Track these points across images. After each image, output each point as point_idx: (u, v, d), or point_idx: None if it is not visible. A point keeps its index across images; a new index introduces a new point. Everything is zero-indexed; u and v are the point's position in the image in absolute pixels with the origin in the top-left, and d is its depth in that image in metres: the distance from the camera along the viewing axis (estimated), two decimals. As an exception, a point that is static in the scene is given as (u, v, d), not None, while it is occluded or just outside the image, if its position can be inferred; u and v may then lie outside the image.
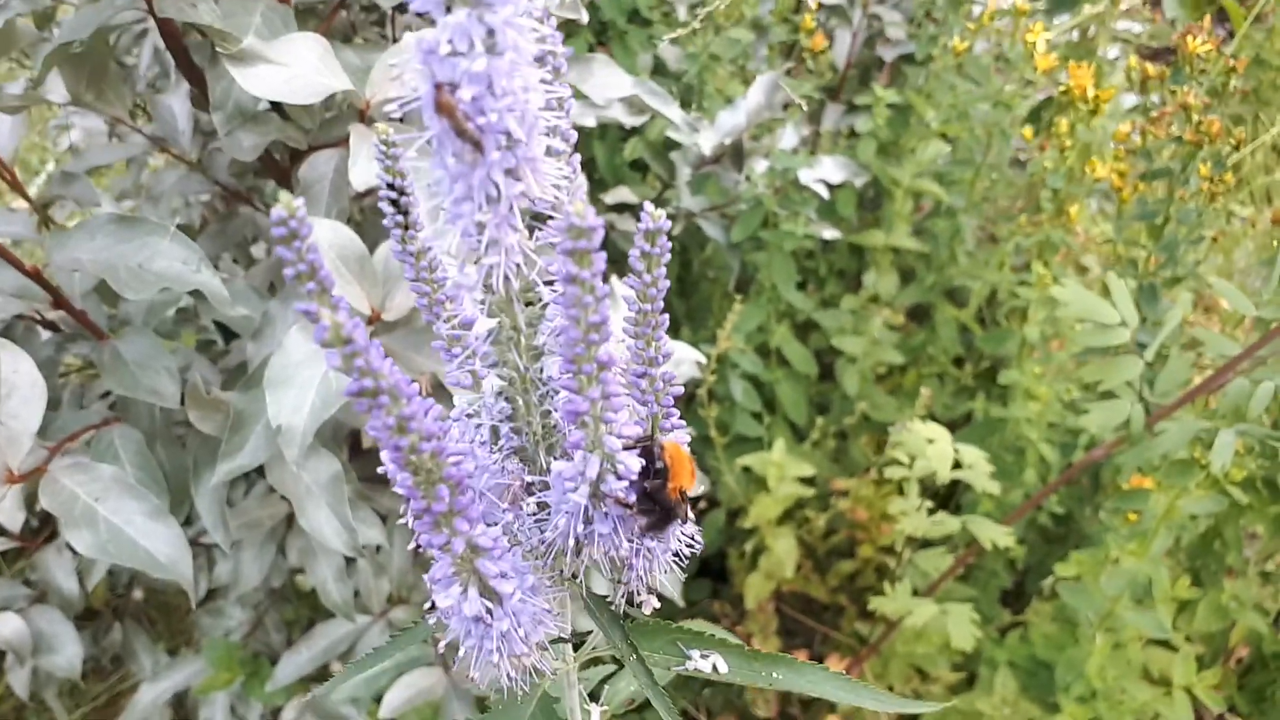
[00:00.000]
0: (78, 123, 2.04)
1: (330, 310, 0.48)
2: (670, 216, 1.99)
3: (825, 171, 1.97)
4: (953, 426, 2.04)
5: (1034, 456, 1.80)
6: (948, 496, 2.07)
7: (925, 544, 1.86)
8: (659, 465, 0.59)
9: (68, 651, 1.59)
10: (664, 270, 0.57)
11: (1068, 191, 1.81)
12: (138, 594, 2.06)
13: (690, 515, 0.65)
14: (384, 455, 0.60)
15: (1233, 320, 1.91)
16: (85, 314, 1.36)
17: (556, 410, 0.64)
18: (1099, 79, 1.76)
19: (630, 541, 0.63)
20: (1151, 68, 1.72)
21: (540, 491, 0.65)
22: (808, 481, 2.03)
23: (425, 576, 0.61)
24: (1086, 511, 1.97)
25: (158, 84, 1.80)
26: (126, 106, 1.49)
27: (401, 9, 1.61)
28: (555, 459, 0.65)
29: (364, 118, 1.26)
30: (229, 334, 1.78)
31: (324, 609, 1.96)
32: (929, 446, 1.55)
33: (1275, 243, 1.49)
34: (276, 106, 1.39)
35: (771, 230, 2.00)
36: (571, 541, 0.62)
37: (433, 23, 0.48)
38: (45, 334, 1.49)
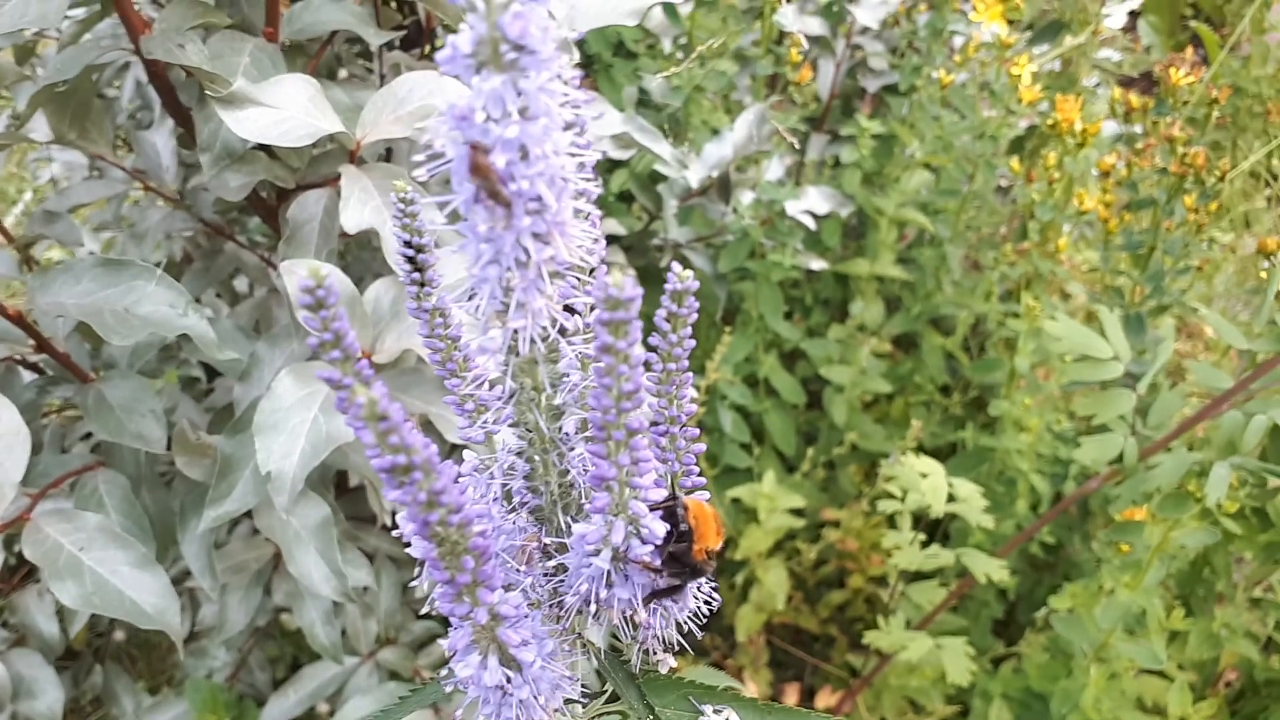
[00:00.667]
0: (58, 156, 2.01)
1: (358, 380, 0.47)
2: (657, 248, 1.99)
3: (811, 202, 1.97)
4: (939, 455, 2.04)
5: (1024, 487, 1.80)
6: (935, 524, 2.07)
7: (917, 576, 1.85)
8: (684, 527, 0.58)
9: (49, 697, 1.55)
10: (689, 330, 0.56)
11: (1055, 222, 1.82)
12: (119, 635, 2.02)
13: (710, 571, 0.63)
14: (406, 525, 0.59)
15: (1218, 348, 1.92)
16: (69, 357, 1.33)
17: (574, 469, 0.63)
18: (1084, 111, 1.77)
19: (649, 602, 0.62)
20: (1135, 99, 1.74)
21: (558, 552, 0.64)
22: (798, 513, 2.02)
23: (444, 644, 0.59)
24: (1075, 540, 1.97)
25: (139, 116, 1.78)
26: (109, 143, 1.47)
27: (389, 46, 1.61)
28: (573, 519, 0.64)
29: (354, 158, 1.25)
30: (212, 370, 1.75)
31: (310, 648, 1.93)
32: (923, 481, 1.55)
33: (1262, 273, 1.49)
34: (264, 145, 1.37)
35: (759, 261, 1.99)
36: (592, 606, 0.60)
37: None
38: (26, 375, 1.46)
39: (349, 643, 1.68)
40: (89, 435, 1.59)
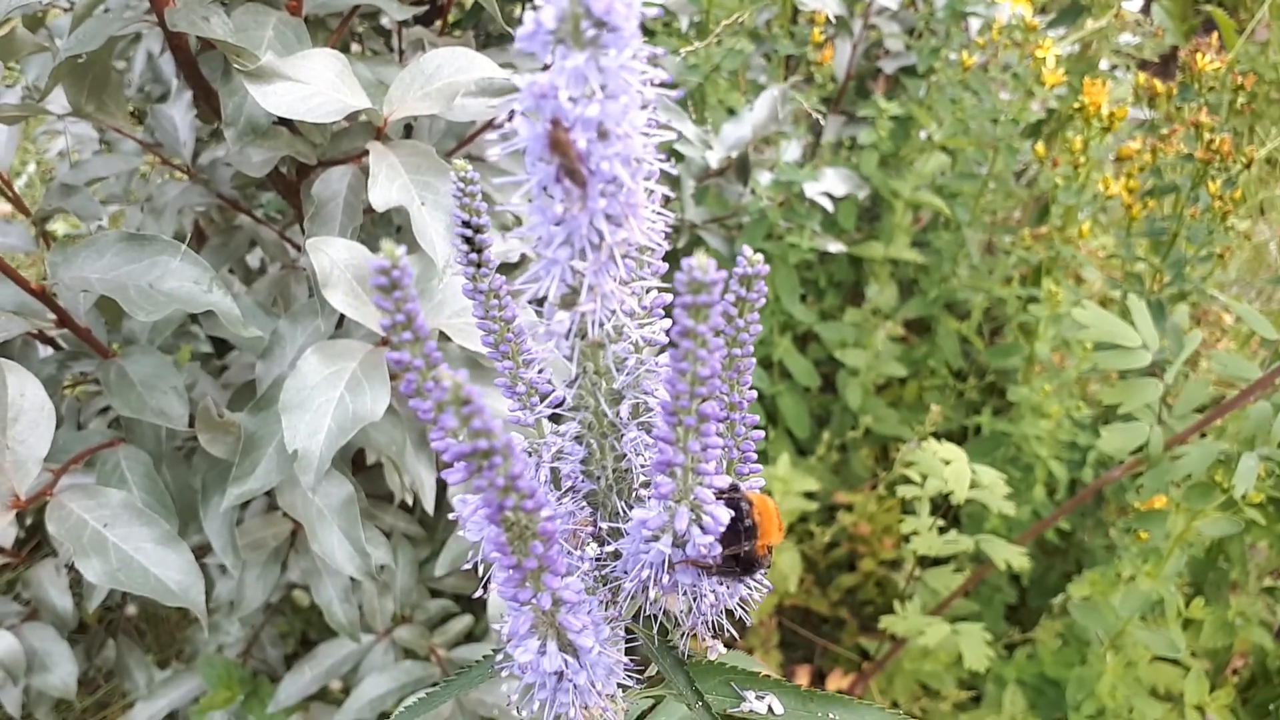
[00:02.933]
0: (68, 129, 1.99)
1: (428, 362, 0.46)
2: (675, 228, 1.97)
3: (829, 184, 1.96)
4: (953, 439, 2.04)
5: (1042, 474, 1.80)
6: (947, 509, 2.07)
7: (933, 561, 1.85)
8: (748, 523, 0.57)
9: (62, 670, 1.55)
10: (756, 315, 0.55)
11: (1077, 207, 1.81)
12: (131, 609, 2.02)
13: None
14: (466, 508, 0.58)
15: (1238, 336, 1.92)
16: (90, 332, 1.32)
17: (629, 453, 0.62)
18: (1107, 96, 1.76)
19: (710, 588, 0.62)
20: (1160, 84, 1.73)
21: (611, 537, 0.63)
22: (810, 496, 2.01)
23: (500, 631, 0.59)
24: (1088, 525, 1.97)
25: (148, 90, 1.76)
26: (125, 116, 1.45)
27: (407, 23, 1.59)
28: (628, 505, 0.63)
29: (381, 135, 1.24)
30: (221, 346, 1.74)
31: (321, 622, 1.93)
32: (946, 467, 1.54)
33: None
34: (286, 120, 1.36)
35: (775, 243, 1.98)
36: (651, 591, 0.60)
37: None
38: (45, 350, 1.45)
39: (365, 620, 1.67)
40: (106, 410, 1.58)
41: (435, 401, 0.42)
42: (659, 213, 0.51)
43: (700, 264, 0.43)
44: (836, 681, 1.94)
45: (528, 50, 0.45)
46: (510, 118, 0.46)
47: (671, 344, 0.47)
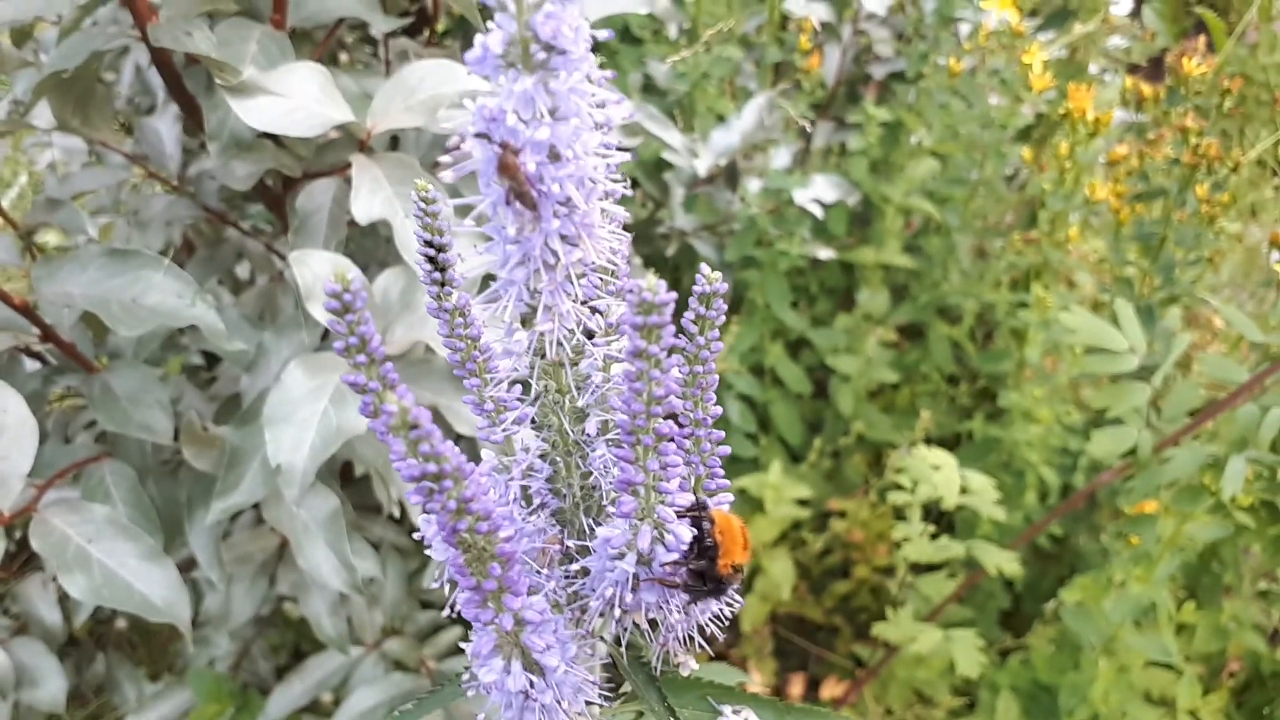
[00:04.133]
0: (56, 142, 1.99)
1: (384, 385, 0.46)
2: (663, 236, 1.98)
3: (819, 191, 1.95)
4: (945, 445, 2.03)
5: (1034, 479, 1.79)
6: (941, 516, 2.06)
7: (925, 568, 1.84)
8: (708, 542, 0.57)
9: (51, 686, 1.54)
10: (718, 333, 0.55)
11: (1066, 211, 1.81)
12: (120, 623, 2.01)
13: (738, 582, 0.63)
14: (428, 528, 0.58)
15: (1227, 339, 1.91)
16: (74, 346, 1.32)
17: (596, 471, 0.62)
18: (1095, 99, 1.76)
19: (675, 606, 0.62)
20: (1147, 88, 1.72)
21: (579, 555, 0.63)
22: (803, 503, 2.01)
23: (464, 647, 0.58)
24: (1081, 530, 1.97)
25: (137, 101, 1.76)
26: (112, 129, 1.45)
27: (394, 34, 1.59)
28: (595, 522, 0.63)
29: (364, 148, 1.24)
30: (211, 357, 1.74)
31: (311, 635, 1.92)
32: (935, 473, 1.54)
33: (1275, 265, 1.48)
34: (271, 134, 1.36)
35: (765, 249, 1.98)
36: (616, 610, 0.60)
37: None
38: (30, 365, 1.45)
39: (354, 633, 1.67)
40: (92, 425, 1.58)
41: (385, 426, 0.42)
42: (615, 233, 0.51)
43: (650, 285, 0.43)
44: (830, 689, 1.93)
45: (479, 74, 0.45)
46: (463, 141, 0.46)
47: (625, 364, 0.47)
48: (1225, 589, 1.73)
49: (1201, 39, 1.80)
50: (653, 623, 0.67)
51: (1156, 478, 1.32)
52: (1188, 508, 1.32)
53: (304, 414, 1.14)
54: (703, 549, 0.57)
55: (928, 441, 1.84)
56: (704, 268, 0.52)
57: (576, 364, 0.57)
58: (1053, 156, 1.79)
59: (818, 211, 1.93)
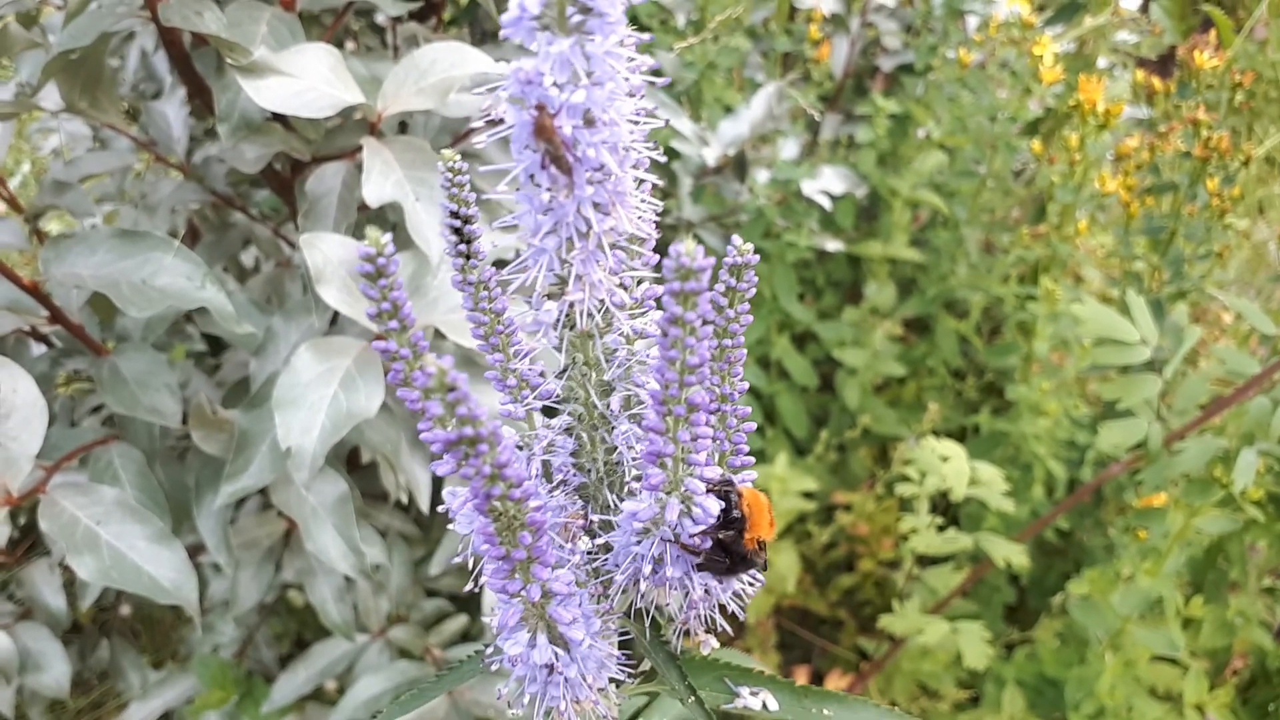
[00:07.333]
0: (62, 127, 1.98)
1: (415, 350, 0.46)
2: (670, 227, 1.97)
3: (827, 182, 1.95)
4: (952, 438, 2.03)
5: (1041, 472, 1.79)
6: (946, 508, 2.06)
7: (931, 560, 1.84)
8: (736, 514, 0.57)
9: (55, 671, 1.54)
10: (748, 306, 0.54)
11: (1074, 205, 1.81)
12: (125, 610, 2.01)
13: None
14: (455, 499, 0.57)
15: (1236, 333, 1.91)
16: (83, 329, 1.31)
17: (620, 445, 0.62)
18: (1105, 93, 1.75)
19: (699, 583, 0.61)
20: (1158, 82, 1.72)
21: (602, 530, 0.62)
22: (809, 495, 2.01)
23: (489, 623, 0.58)
24: (1087, 524, 1.96)
25: (141, 88, 1.75)
26: (119, 113, 1.45)
27: (401, 20, 1.58)
28: (619, 497, 0.63)
29: (375, 131, 1.23)
30: (215, 344, 1.73)
31: (315, 623, 1.92)
32: (944, 464, 1.53)
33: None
34: (280, 116, 1.35)
35: (773, 241, 1.98)
36: (642, 585, 0.59)
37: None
38: (38, 347, 1.44)
39: (360, 620, 1.67)
40: (99, 408, 1.58)
41: (421, 388, 0.42)
42: (648, 201, 0.51)
43: (688, 250, 0.43)
44: (835, 682, 1.93)
45: (513, 36, 0.45)
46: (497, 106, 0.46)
47: (660, 332, 0.46)
48: (1231, 585, 1.73)
49: (1211, 34, 1.79)
50: (674, 600, 0.66)
51: (1167, 470, 1.32)
52: (1198, 500, 1.31)
53: (314, 397, 1.14)
54: (729, 520, 0.56)
55: (935, 435, 1.83)
56: (735, 238, 0.52)
57: (605, 336, 0.57)
58: (1062, 149, 1.79)
59: (826, 203, 1.92)
